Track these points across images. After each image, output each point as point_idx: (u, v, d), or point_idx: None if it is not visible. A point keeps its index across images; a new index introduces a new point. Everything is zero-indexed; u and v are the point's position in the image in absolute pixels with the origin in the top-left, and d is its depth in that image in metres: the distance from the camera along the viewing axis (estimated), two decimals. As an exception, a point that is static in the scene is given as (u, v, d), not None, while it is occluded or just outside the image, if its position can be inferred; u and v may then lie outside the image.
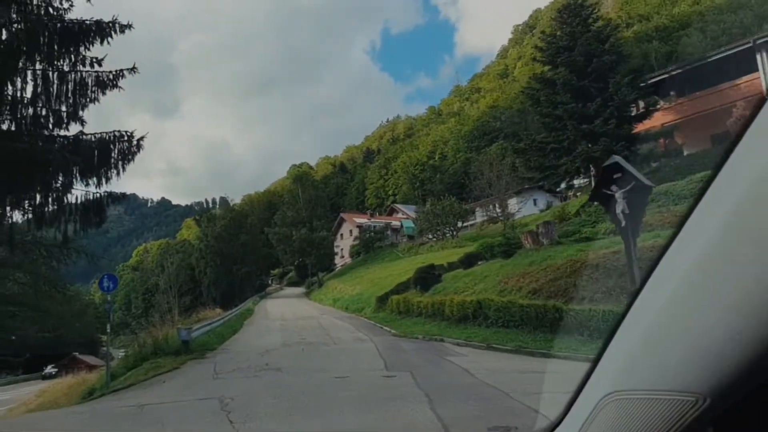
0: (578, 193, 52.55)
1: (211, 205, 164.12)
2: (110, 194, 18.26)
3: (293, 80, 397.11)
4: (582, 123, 30.33)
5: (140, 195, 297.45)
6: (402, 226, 70.64)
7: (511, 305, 15.45)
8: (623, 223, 12.59)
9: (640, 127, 31.80)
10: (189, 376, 13.51)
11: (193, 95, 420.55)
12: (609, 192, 12.77)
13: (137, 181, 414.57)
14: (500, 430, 5.91)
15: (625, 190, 12.51)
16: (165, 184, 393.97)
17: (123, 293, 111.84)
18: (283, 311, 36.89)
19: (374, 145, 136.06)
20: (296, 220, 62.32)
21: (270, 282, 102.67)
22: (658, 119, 33.38)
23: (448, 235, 57.86)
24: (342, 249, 76.83)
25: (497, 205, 54.65)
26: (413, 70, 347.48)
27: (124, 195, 19.00)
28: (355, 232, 72.09)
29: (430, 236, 61.03)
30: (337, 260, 75.48)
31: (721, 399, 0.97)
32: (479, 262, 25.60)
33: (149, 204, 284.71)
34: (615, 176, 12.79)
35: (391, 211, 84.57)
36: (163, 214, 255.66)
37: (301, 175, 66.96)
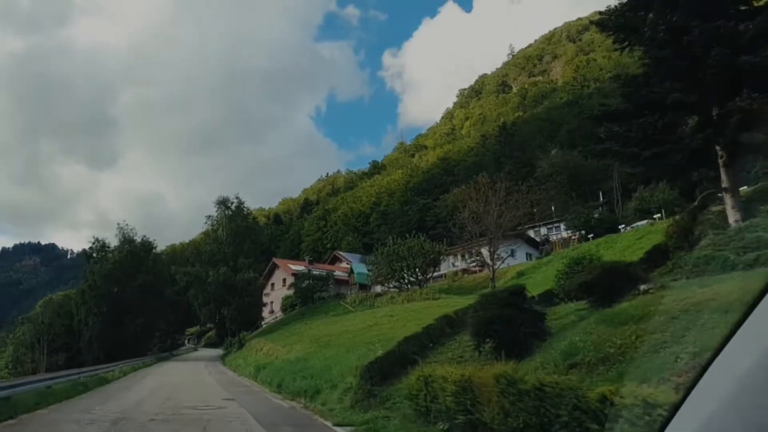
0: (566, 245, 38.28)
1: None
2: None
3: (236, 140, 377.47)
4: (736, 54, 15.43)
5: (60, 245, 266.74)
6: (352, 272, 52.71)
7: None
8: None
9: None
10: None
11: (131, 149, 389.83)
12: None
13: (63, 233, 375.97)
14: None
15: None
16: (93, 235, 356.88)
17: (11, 349, 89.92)
18: (162, 386, 18.82)
19: (313, 197, 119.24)
20: (215, 256, 43.51)
21: (186, 342, 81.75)
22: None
23: (414, 285, 41.23)
24: (272, 302, 58.11)
25: (487, 248, 38.79)
26: (357, 137, 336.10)
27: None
28: (290, 281, 53.76)
29: (389, 285, 44.26)
30: (266, 315, 56.63)
31: None
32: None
33: (69, 255, 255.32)
34: None
35: (334, 260, 66.83)
36: (83, 267, 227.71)
37: (226, 201, 48.31)
